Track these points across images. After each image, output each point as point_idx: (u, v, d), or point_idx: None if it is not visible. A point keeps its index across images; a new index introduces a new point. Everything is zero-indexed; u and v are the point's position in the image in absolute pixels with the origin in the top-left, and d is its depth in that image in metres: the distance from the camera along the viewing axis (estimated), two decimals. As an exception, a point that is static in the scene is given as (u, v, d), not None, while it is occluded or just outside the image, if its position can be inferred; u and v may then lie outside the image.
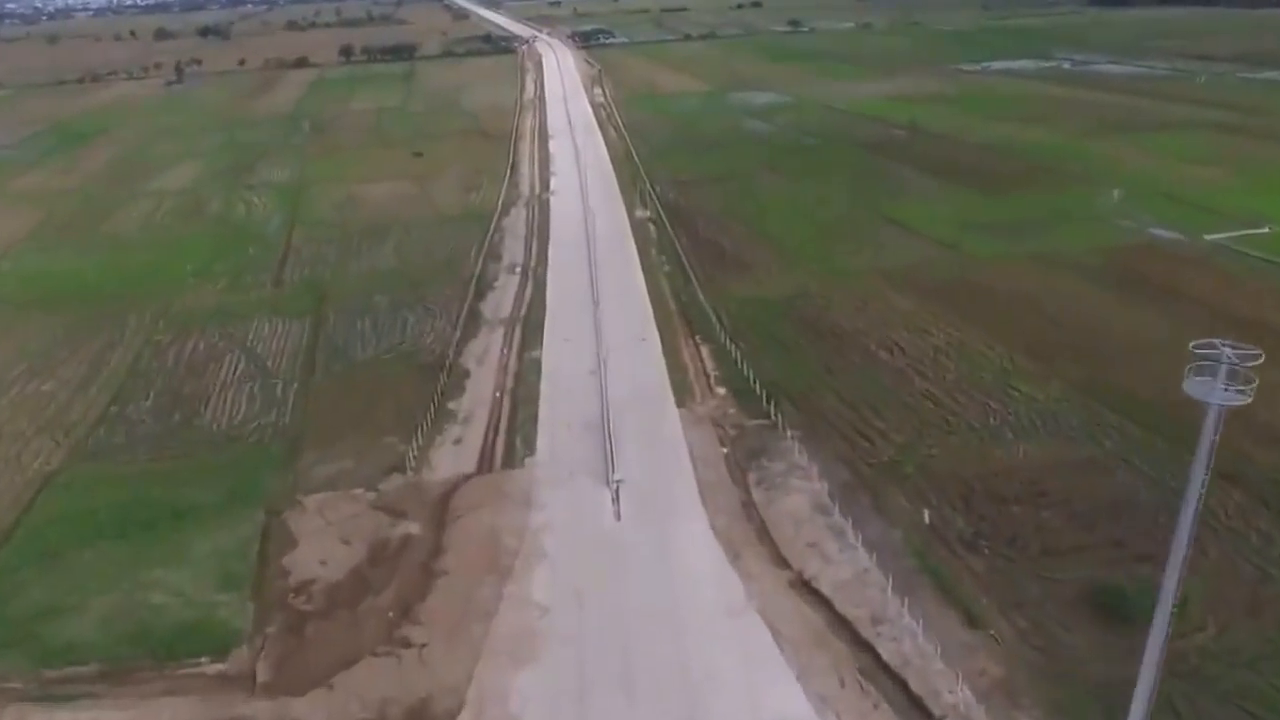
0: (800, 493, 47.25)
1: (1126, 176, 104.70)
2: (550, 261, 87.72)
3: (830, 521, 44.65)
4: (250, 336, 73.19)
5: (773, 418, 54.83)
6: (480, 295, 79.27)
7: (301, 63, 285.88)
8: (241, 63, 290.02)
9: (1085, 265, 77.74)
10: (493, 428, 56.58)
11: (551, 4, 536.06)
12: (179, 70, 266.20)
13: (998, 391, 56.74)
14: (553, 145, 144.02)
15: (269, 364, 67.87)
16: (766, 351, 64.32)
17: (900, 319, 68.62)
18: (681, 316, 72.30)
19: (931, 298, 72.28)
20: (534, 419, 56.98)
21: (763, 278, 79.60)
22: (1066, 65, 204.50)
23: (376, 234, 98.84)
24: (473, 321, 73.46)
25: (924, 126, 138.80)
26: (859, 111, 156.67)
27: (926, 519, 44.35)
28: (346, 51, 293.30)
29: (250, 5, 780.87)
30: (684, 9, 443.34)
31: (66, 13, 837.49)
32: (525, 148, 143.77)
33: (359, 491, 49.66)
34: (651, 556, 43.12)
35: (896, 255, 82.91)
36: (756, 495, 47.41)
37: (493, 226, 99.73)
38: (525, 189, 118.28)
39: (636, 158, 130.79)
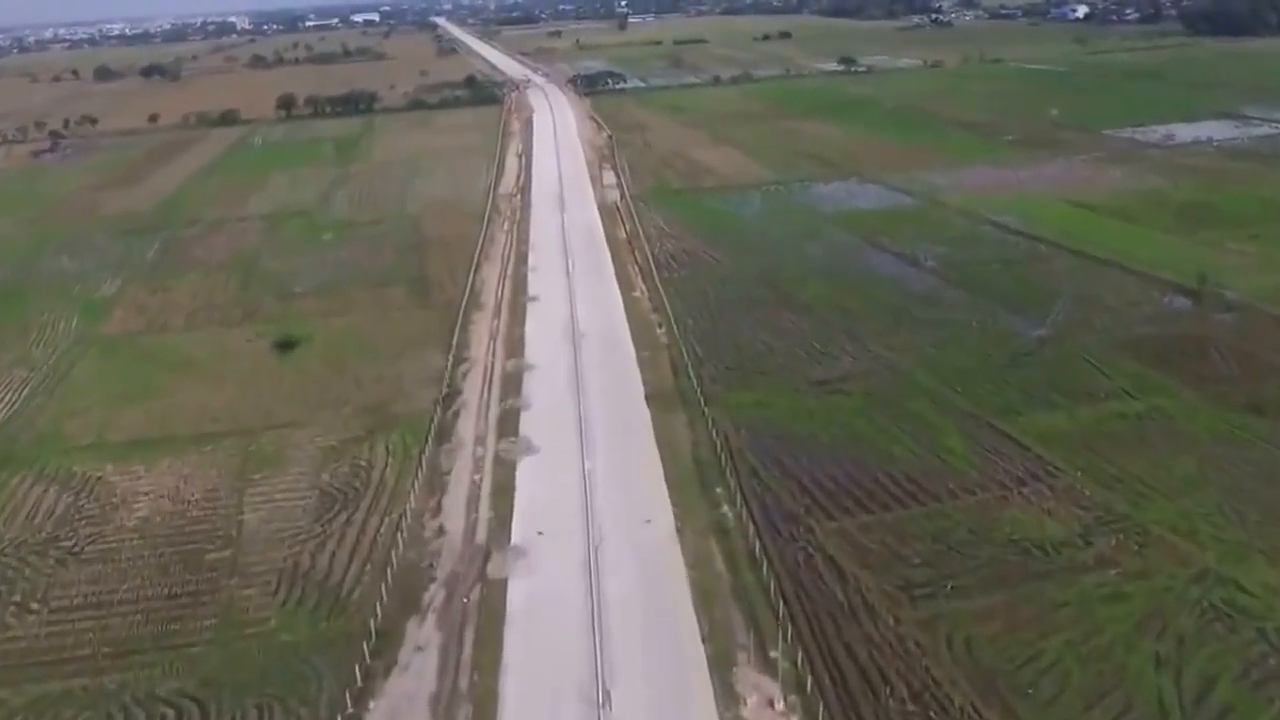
0: None
1: None
2: None
3: None
4: None
5: None
6: None
7: (228, 118, 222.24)
8: (153, 119, 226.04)
9: None
10: None
11: (551, 34, 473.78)
12: (56, 135, 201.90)
13: None
14: (532, 328, 78.78)
15: None
16: None
17: None
18: None
19: None
20: None
21: None
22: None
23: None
24: None
25: (1224, 293, 74.02)
26: (1056, 238, 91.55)
27: None
28: (286, 104, 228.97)
29: (235, 35, 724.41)
30: (701, 40, 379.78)
31: (44, 45, 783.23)
32: (483, 335, 78.03)
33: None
34: None
35: None
36: None
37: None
38: (459, 494, 52.80)
39: (694, 379, 65.71)
